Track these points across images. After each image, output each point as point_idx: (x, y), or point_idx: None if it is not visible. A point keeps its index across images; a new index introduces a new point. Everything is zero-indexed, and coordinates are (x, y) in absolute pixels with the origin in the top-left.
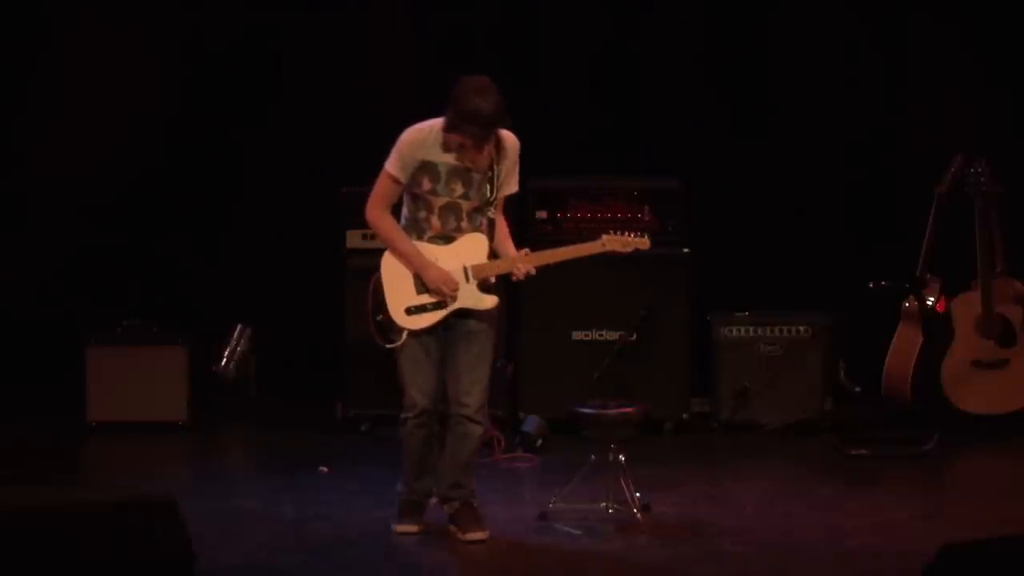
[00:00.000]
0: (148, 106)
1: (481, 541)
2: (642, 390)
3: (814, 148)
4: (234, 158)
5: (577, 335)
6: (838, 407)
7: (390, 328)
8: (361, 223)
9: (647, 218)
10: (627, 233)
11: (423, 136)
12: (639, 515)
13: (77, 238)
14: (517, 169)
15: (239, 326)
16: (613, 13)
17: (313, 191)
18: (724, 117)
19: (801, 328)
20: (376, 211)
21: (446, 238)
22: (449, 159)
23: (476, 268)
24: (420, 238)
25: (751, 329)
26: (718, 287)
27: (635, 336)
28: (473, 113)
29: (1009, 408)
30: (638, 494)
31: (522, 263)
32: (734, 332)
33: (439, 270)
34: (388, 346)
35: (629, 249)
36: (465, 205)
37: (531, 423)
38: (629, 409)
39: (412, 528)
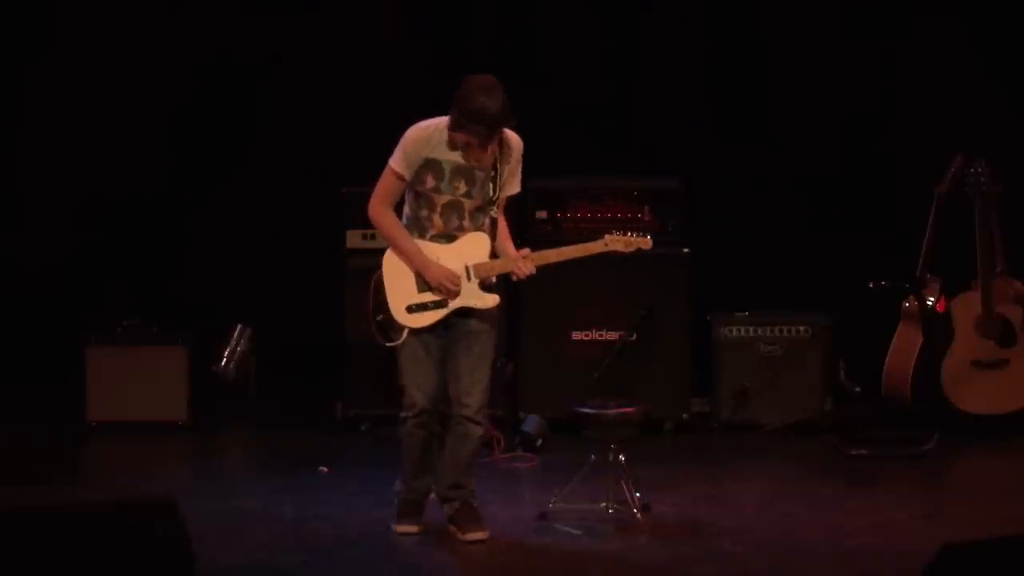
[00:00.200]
0: (148, 106)
1: (481, 541)
2: (642, 390)
3: (814, 148)
4: (234, 158)
5: (577, 335)
6: (838, 407)
7: (391, 326)
8: (361, 223)
9: (647, 218)
10: (629, 233)
11: (428, 134)
12: (639, 515)
13: (77, 238)
14: (520, 170)
15: (239, 326)
16: (613, 13)
17: (313, 191)
18: (724, 117)
19: (801, 328)
20: (379, 208)
21: (448, 237)
22: (454, 157)
23: (478, 267)
24: (422, 237)
25: (751, 329)
26: (718, 287)
27: (635, 336)
28: (479, 112)
29: (1009, 408)
30: (638, 494)
31: (523, 263)
32: (734, 332)
33: (441, 268)
34: (388, 344)
35: (631, 249)
36: (468, 204)
37: (531, 423)
38: (629, 409)
39: (412, 528)
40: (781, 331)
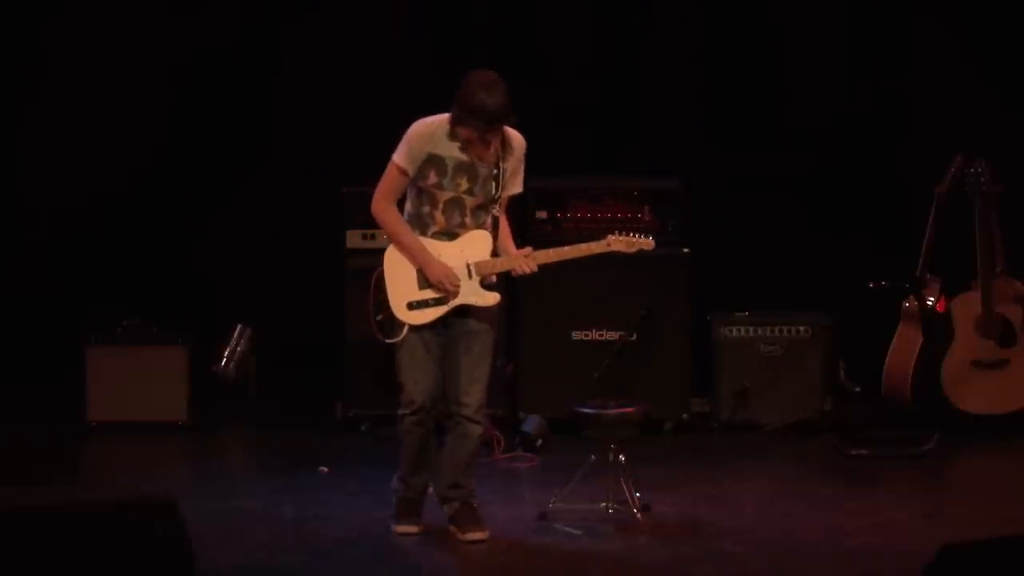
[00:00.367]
0: (148, 106)
1: (481, 541)
2: (642, 390)
3: (814, 148)
4: (234, 158)
5: (577, 335)
6: (838, 407)
7: (391, 323)
8: (361, 223)
9: (647, 218)
10: (631, 233)
11: (432, 129)
12: (639, 515)
13: (77, 238)
14: (522, 169)
15: (239, 326)
16: (613, 13)
17: (313, 191)
18: (724, 117)
19: (801, 328)
20: (382, 204)
21: (450, 234)
22: (456, 153)
23: (479, 265)
24: (424, 234)
25: (751, 329)
26: (718, 287)
27: (635, 336)
28: (478, 108)
29: (1009, 408)
30: (638, 494)
31: (525, 261)
32: (734, 332)
33: (441, 265)
34: (388, 341)
35: (633, 250)
36: (469, 201)
37: (531, 423)
38: (629, 409)
39: (412, 529)
40: (781, 331)
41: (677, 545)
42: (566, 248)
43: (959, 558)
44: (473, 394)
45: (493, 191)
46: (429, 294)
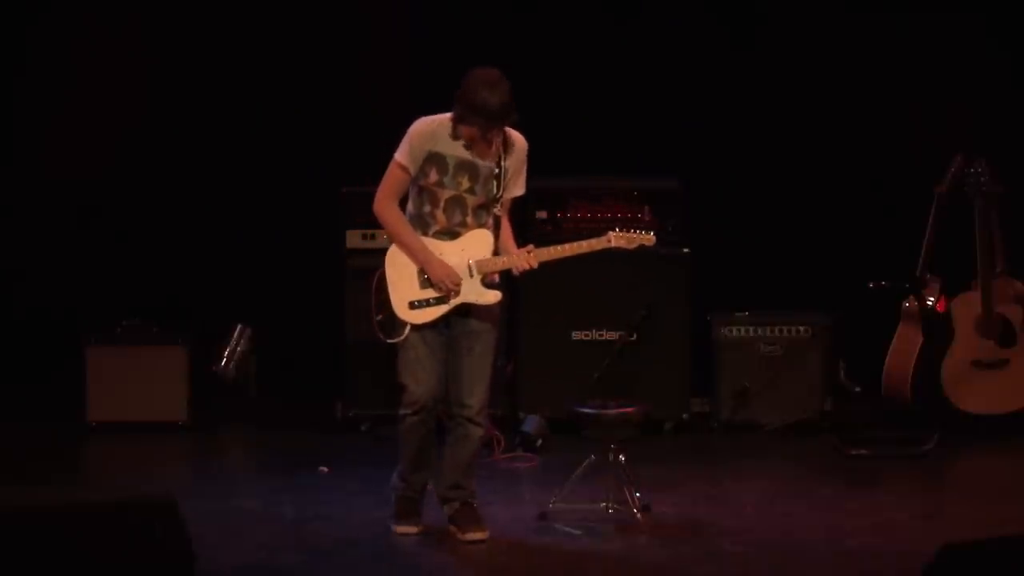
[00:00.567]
0: (148, 106)
1: (481, 541)
2: (642, 390)
3: (814, 148)
4: (234, 158)
5: (577, 335)
6: (838, 407)
7: (392, 323)
8: (361, 223)
9: (647, 218)
10: (632, 229)
11: (433, 128)
12: (639, 515)
13: (77, 238)
14: (524, 171)
15: (239, 326)
16: (613, 13)
17: (313, 191)
18: (724, 117)
19: (801, 328)
20: (384, 203)
21: (451, 233)
22: (457, 152)
23: (480, 263)
24: (425, 234)
25: (751, 329)
26: (718, 287)
27: (635, 336)
28: (480, 105)
29: (1009, 408)
30: (638, 494)
31: (526, 258)
32: (734, 332)
33: (442, 264)
34: (390, 341)
35: (634, 246)
36: (471, 200)
37: (531, 423)
38: (629, 409)
39: (412, 529)
40: (781, 331)
41: (677, 545)
42: (567, 245)
43: (959, 558)
44: (475, 395)
45: (495, 190)
46: (430, 293)
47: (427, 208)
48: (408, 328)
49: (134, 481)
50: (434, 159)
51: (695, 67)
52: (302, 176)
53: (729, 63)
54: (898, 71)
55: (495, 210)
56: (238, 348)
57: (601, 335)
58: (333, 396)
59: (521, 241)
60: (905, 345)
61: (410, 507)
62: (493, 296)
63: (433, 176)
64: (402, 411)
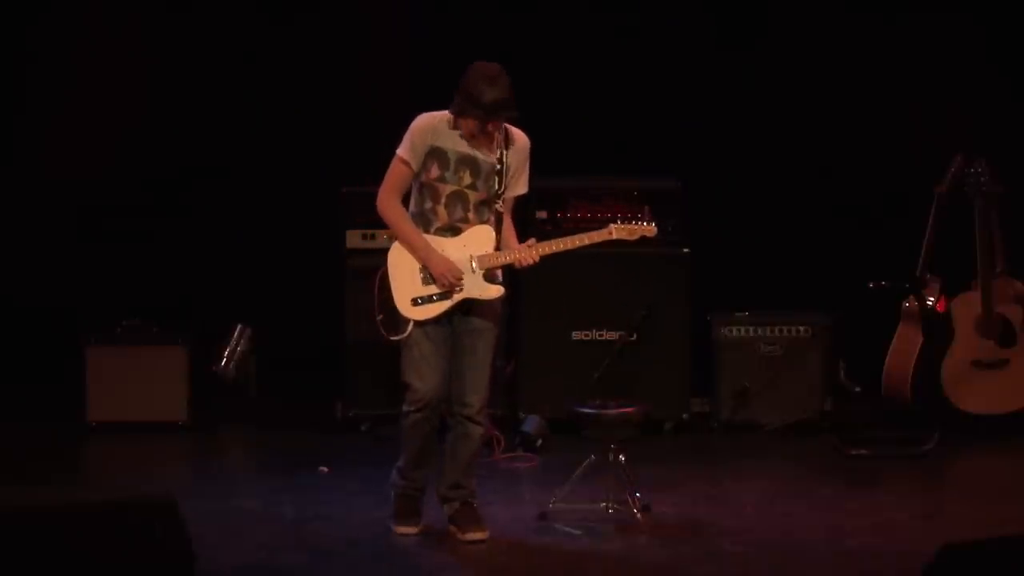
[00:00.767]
0: (148, 106)
1: (481, 541)
2: (642, 390)
3: (814, 148)
4: (234, 158)
5: (577, 335)
6: (838, 407)
7: (396, 320)
8: (361, 223)
9: (647, 218)
10: (633, 221)
11: (434, 122)
12: (639, 515)
13: (77, 238)
14: (527, 169)
15: (239, 326)
16: (613, 13)
17: (313, 191)
18: (724, 117)
19: (801, 328)
20: (386, 199)
21: (453, 229)
22: (459, 147)
23: (482, 258)
24: (427, 231)
25: (751, 329)
26: (718, 287)
27: (635, 336)
28: (478, 98)
29: (1009, 408)
30: (638, 494)
31: (528, 252)
32: (734, 332)
33: (444, 259)
34: (393, 338)
35: (636, 237)
36: (472, 196)
37: (531, 423)
38: (629, 409)
39: (412, 529)
40: (781, 331)
41: (677, 545)
42: (568, 238)
43: (959, 558)
44: (476, 394)
45: (496, 186)
46: (433, 289)
47: (428, 204)
48: (411, 325)
49: (134, 481)
50: (435, 154)
51: (695, 67)
52: (302, 176)
53: (729, 63)
54: (898, 71)
55: (497, 206)
56: (238, 348)
57: (601, 335)
58: (333, 396)
59: (521, 240)
60: (905, 345)
61: (410, 506)
62: (495, 291)
63: (434, 171)
64: (406, 408)
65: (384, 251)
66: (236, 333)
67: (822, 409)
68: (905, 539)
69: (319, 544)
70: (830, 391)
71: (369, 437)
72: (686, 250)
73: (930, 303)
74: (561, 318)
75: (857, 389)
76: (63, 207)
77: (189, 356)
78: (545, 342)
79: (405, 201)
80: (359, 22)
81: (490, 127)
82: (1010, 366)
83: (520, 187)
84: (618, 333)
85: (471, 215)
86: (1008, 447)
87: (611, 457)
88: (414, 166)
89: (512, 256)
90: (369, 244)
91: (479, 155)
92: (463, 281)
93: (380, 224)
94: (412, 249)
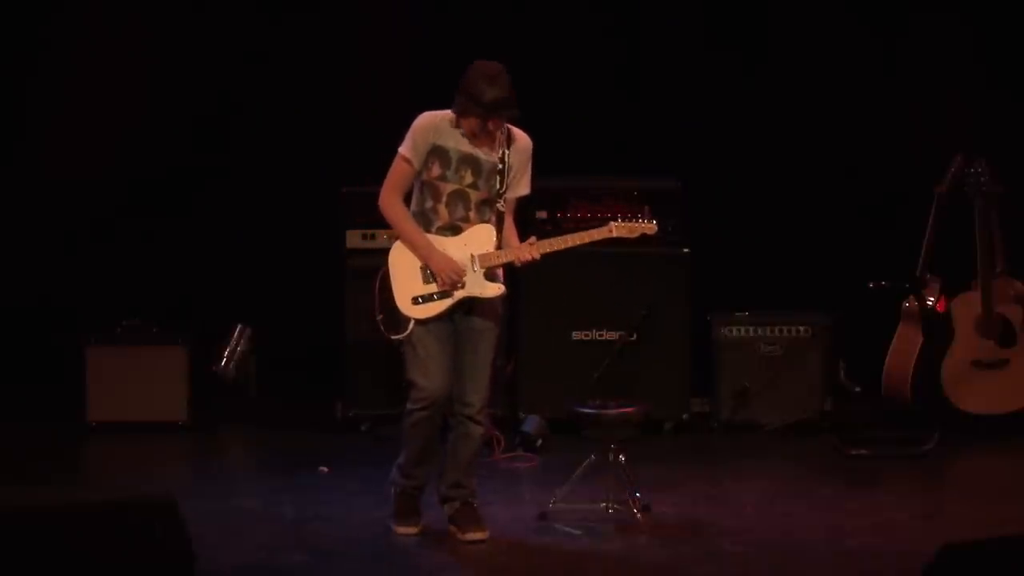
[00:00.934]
0: (148, 106)
1: (481, 541)
2: (642, 390)
3: (814, 148)
4: (234, 158)
5: (577, 335)
6: (838, 407)
7: (396, 319)
8: (361, 223)
9: (647, 218)
10: (633, 219)
11: (436, 121)
12: (639, 515)
13: (77, 238)
14: (529, 170)
15: (239, 326)
16: (613, 13)
17: (313, 191)
18: (724, 117)
19: (801, 328)
20: (388, 198)
21: (454, 228)
22: (460, 145)
23: (483, 257)
24: (428, 229)
25: (751, 329)
26: (718, 287)
27: (635, 336)
28: (478, 96)
29: (1009, 408)
30: (638, 494)
31: (528, 250)
32: (734, 332)
33: (445, 257)
34: (395, 337)
35: (636, 234)
36: (474, 195)
37: (531, 423)
38: (629, 409)
39: (412, 530)
40: (781, 331)
41: (677, 545)
42: (569, 236)
43: (959, 558)
44: (477, 394)
45: (498, 186)
46: (434, 288)
47: (429, 203)
48: (412, 324)
49: (134, 481)
50: (437, 152)
51: (695, 67)
52: (302, 176)
53: (729, 63)
54: (898, 71)
55: (498, 206)
56: (238, 348)
57: (601, 335)
58: (333, 396)
59: (522, 241)
60: (905, 345)
61: (410, 505)
62: (496, 289)
63: (436, 170)
64: (410, 407)
65: (384, 251)
66: (236, 333)
67: (822, 409)
68: (905, 539)
69: (319, 544)
70: (830, 391)
71: (369, 437)
72: (686, 250)
73: (930, 303)
74: (561, 318)
75: (857, 389)
76: (63, 207)
77: (189, 356)
78: (545, 342)
79: (407, 200)
80: (359, 22)
81: (491, 126)
82: (1010, 366)
83: (522, 188)
84: (618, 333)
85: (472, 214)
86: (1008, 447)
87: (611, 457)
88: (416, 165)
89: (513, 254)
90: (369, 244)
91: (481, 154)
92: (464, 280)
93: (380, 224)
94: (414, 248)
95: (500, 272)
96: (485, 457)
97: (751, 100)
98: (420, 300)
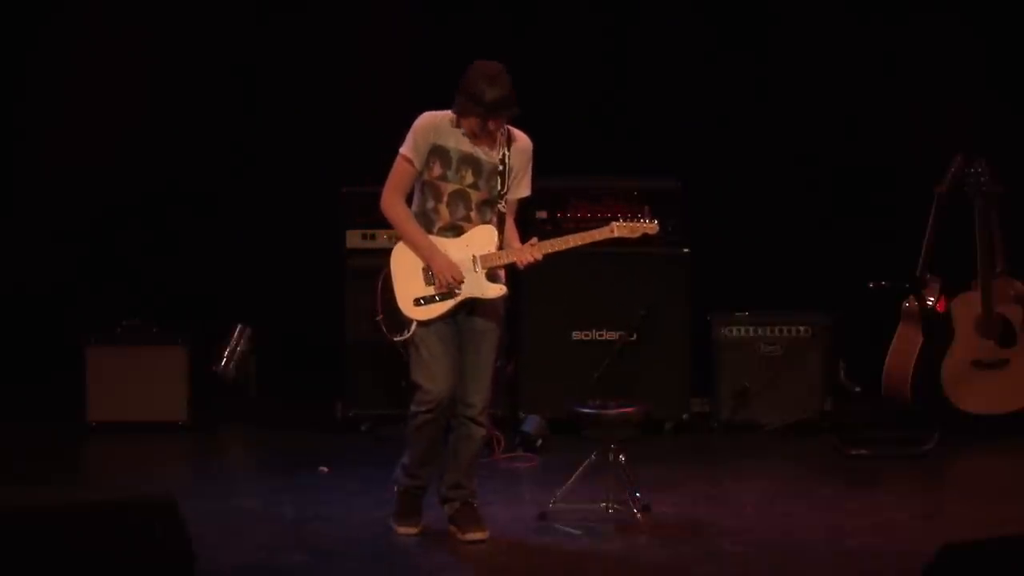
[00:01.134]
0: (148, 106)
1: (481, 541)
2: (642, 390)
3: (814, 148)
4: (234, 158)
5: (577, 335)
6: (838, 407)
7: (398, 321)
8: (361, 223)
9: (647, 218)
10: (634, 219)
11: (437, 121)
12: (639, 515)
13: (77, 238)
14: (529, 171)
15: (239, 326)
16: (613, 13)
17: (313, 191)
18: (724, 116)
19: (801, 328)
20: (390, 198)
21: (455, 229)
22: (461, 145)
23: (484, 258)
24: (430, 231)
25: (751, 329)
26: (718, 287)
27: (635, 336)
28: (478, 96)
29: (1009, 408)
30: (638, 494)
31: (530, 251)
32: (734, 332)
33: (446, 259)
34: (397, 339)
35: (637, 234)
36: (474, 195)
37: (531, 423)
38: (629, 409)
39: (412, 530)
40: (781, 331)
41: (677, 545)
42: (570, 237)
43: (959, 558)
44: (479, 395)
45: (498, 186)
46: (435, 289)
47: (430, 204)
48: (414, 325)
49: (134, 481)
50: (438, 152)
51: (695, 67)
52: (302, 176)
53: (729, 63)
54: (898, 71)
55: (499, 206)
56: (238, 348)
57: (601, 335)
58: (333, 396)
59: (522, 240)
60: (905, 345)
61: (412, 504)
62: (497, 290)
63: (437, 170)
64: (415, 409)
65: (384, 251)
66: (236, 333)
67: (822, 409)
68: (905, 539)
69: (319, 544)
70: (830, 391)
71: (369, 437)
72: (686, 250)
73: (930, 303)
74: (561, 318)
75: (857, 389)
76: (63, 207)
77: (189, 356)
78: (545, 342)
79: (407, 201)
80: (359, 22)
81: (491, 126)
82: (1010, 366)
83: (523, 189)
84: (618, 333)
85: (473, 214)
86: (1008, 447)
87: (611, 457)
88: (417, 164)
89: (514, 255)
90: (369, 244)
91: (481, 154)
92: (464, 281)
93: (380, 224)
94: (416, 249)
95: (502, 273)
96: (485, 457)
97: (751, 100)
98: (422, 301)
